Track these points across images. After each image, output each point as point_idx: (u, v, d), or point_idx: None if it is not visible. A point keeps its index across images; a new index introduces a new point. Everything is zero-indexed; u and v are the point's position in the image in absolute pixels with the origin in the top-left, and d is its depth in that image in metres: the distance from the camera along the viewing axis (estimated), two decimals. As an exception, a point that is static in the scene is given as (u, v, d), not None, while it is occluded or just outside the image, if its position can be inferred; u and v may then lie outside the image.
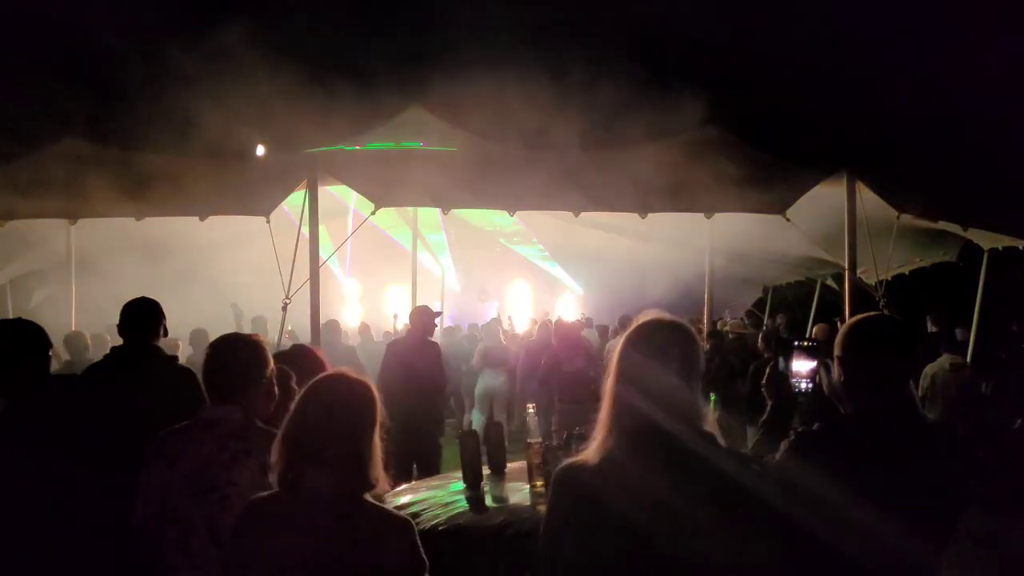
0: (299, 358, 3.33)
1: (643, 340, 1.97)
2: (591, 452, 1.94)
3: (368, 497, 2.00)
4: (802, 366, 2.61)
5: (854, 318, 2.27)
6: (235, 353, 2.57)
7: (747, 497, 1.86)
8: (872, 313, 2.28)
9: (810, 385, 2.57)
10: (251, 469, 2.37)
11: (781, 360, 2.52)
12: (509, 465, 4.13)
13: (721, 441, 1.96)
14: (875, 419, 2.10)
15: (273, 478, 1.99)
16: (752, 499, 1.86)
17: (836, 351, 2.22)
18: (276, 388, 2.61)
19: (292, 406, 2.02)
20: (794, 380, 2.60)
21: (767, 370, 2.70)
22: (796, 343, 2.64)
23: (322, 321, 7.00)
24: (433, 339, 7.24)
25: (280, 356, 3.35)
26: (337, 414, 1.96)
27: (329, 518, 1.92)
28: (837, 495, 1.95)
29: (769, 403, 2.63)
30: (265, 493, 2.01)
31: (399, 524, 2.02)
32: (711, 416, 2.01)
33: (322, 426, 1.95)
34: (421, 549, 2.02)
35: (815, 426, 2.15)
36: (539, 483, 3.54)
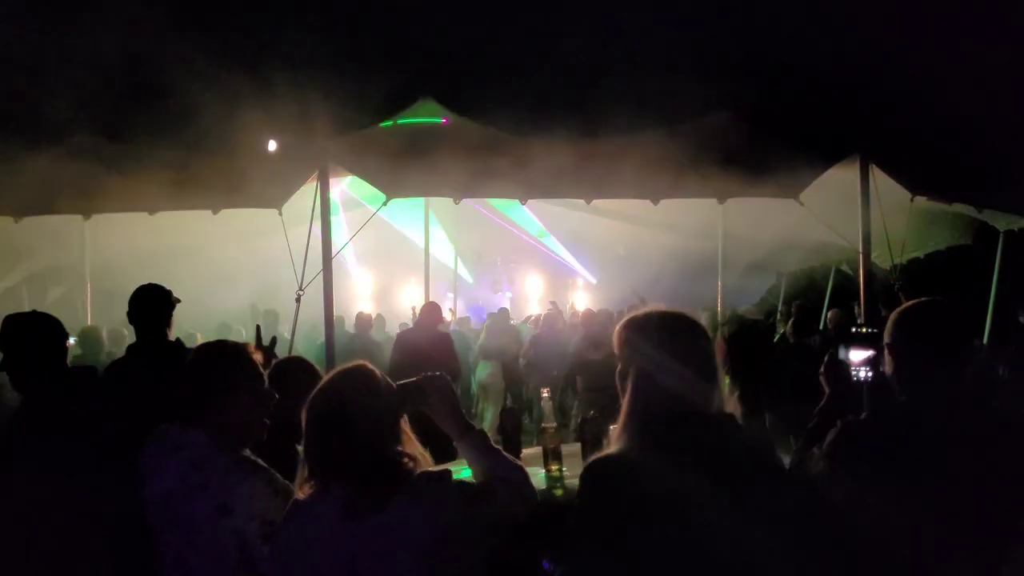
0: (290, 371, 3.07)
1: (653, 330, 1.96)
2: (616, 444, 1.91)
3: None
4: (861, 354, 2.50)
5: (904, 304, 2.19)
6: (193, 367, 2.37)
7: (778, 477, 1.84)
8: (923, 299, 2.19)
9: (870, 374, 2.47)
10: (206, 507, 2.17)
11: (841, 348, 2.43)
12: (524, 451, 4.13)
13: (740, 422, 1.94)
14: (927, 410, 2.03)
15: (303, 489, 1.94)
16: (783, 478, 1.85)
17: (886, 339, 2.17)
18: (261, 406, 2.36)
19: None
20: (854, 369, 2.50)
21: (826, 358, 2.61)
22: (854, 330, 2.55)
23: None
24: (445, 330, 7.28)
25: (275, 367, 3.12)
26: (334, 422, 1.89)
27: (357, 519, 1.85)
28: (882, 489, 1.91)
29: (826, 392, 2.54)
30: (306, 496, 1.94)
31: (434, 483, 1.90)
32: (731, 399, 1.98)
33: (323, 438, 1.91)
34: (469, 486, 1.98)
35: (862, 416, 2.10)
36: (554, 467, 3.53)
